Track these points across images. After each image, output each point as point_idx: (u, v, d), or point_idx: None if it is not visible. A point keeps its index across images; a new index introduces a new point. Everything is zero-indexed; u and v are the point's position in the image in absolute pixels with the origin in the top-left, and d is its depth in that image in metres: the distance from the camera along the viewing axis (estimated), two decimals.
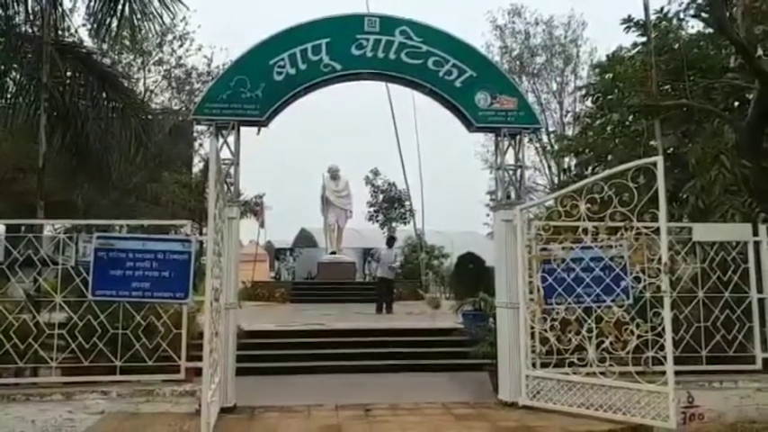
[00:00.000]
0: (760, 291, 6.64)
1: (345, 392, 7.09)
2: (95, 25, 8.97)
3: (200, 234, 8.95)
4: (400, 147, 21.01)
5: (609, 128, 10.33)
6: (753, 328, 6.56)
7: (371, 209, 27.33)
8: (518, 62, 25.56)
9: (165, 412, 5.83)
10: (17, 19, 8.72)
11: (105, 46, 14.38)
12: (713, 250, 6.61)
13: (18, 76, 8.70)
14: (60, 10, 8.79)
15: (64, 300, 6.13)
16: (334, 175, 21.02)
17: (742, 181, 7.57)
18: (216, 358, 5.61)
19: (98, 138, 9.10)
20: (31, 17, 8.69)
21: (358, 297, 16.99)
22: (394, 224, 26.58)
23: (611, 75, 10.47)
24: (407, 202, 25.06)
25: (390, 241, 16.16)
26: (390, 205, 26.89)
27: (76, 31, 11.40)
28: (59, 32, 8.97)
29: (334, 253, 20.97)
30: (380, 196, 27.02)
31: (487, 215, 23.63)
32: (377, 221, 27.35)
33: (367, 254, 22.48)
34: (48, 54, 7.72)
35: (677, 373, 5.53)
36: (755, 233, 6.74)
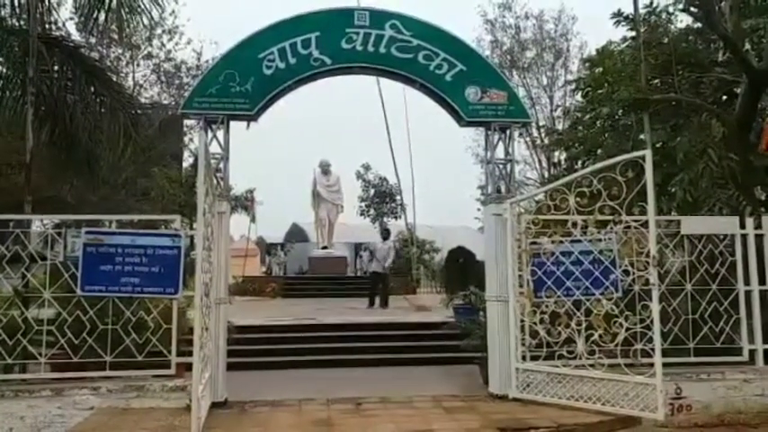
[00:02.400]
0: (747, 283, 6.69)
1: (336, 386, 7.11)
2: (83, 19, 8.88)
3: (191, 229, 8.86)
4: (391, 141, 21.03)
5: (598, 122, 10.37)
6: (740, 320, 6.63)
7: (363, 203, 27.30)
8: (508, 56, 25.53)
9: (155, 407, 5.82)
10: (3, 12, 8.61)
11: (93, 40, 14.24)
12: (701, 243, 6.66)
13: (4, 70, 8.60)
14: (47, 3, 8.70)
15: (53, 295, 6.08)
16: (325, 169, 20.98)
17: (729, 174, 7.63)
18: (206, 353, 5.61)
19: (87, 133, 9.00)
20: (18, 10, 8.58)
21: (350, 291, 17.02)
22: (385, 219, 26.58)
23: (600, 69, 10.51)
24: (399, 197, 25.07)
25: (385, 234, 16.08)
26: (381, 200, 26.86)
27: (64, 25, 11.26)
28: (46, 26, 8.86)
29: (325, 248, 20.98)
30: (372, 191, 26.98)
31: (478, 209, 23.66)
32: (368, 216, 27.33)
33: (359, 248, 22.47)
34: (34, 48, 7.63)
35: (665, 365, 5.57)
36: (742, 226, 6.79)
